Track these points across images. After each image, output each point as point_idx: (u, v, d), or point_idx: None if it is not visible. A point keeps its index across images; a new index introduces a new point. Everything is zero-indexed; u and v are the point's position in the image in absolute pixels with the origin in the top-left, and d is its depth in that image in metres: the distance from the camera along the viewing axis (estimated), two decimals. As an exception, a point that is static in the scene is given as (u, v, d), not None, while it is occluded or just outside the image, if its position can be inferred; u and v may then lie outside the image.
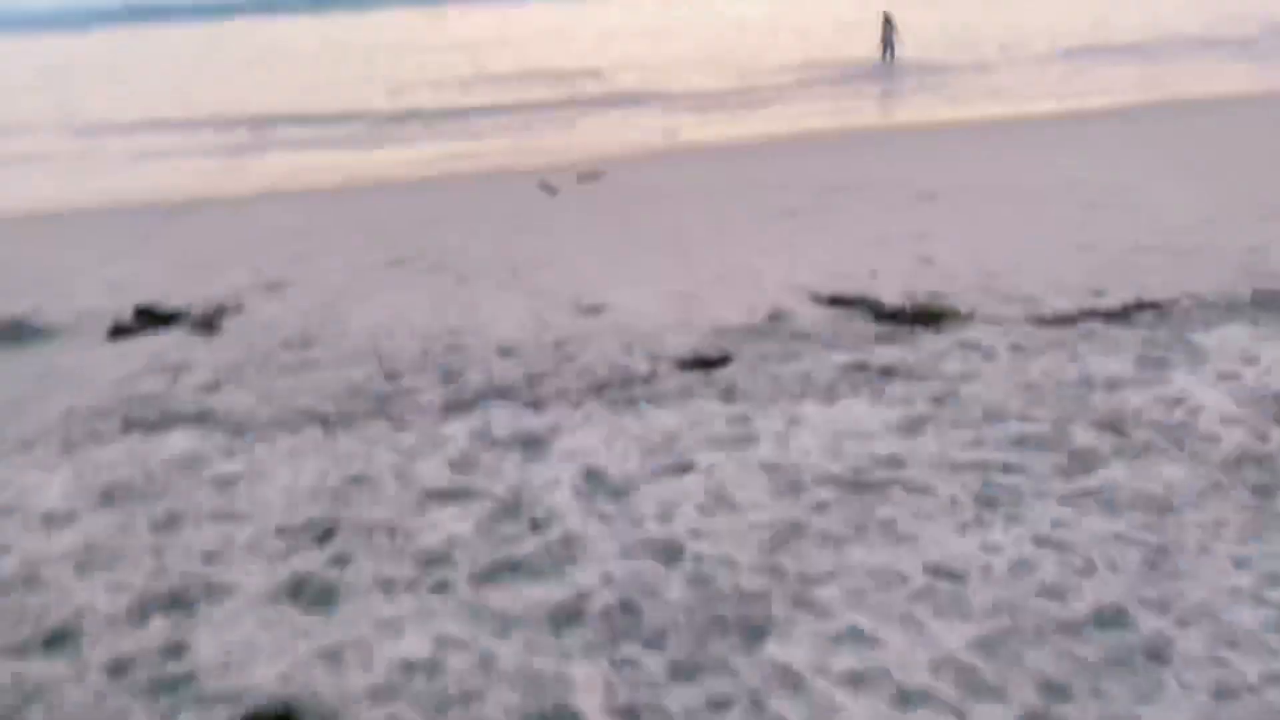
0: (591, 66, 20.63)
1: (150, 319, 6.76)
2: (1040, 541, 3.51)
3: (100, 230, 9.76)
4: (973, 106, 14.79)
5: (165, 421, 5.18)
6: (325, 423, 5.06)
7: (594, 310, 6.53)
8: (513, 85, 18.75)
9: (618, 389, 5.26)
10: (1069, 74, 17.19)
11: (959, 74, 17.60)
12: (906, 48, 19.23)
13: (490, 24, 30.06)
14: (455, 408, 5.16)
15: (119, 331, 6.56)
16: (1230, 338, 5.29)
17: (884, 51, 19.05)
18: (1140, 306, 5.86)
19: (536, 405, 5.11)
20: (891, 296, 6.36)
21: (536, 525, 3.85)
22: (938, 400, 4.70)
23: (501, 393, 5.30)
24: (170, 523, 4.11)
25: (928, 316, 5.92)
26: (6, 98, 19.38)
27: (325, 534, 3.96)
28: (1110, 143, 11.10)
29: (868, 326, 5.92)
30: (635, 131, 14.46)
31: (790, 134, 13.63)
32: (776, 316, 6.08)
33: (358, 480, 4.34)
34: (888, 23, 19.05)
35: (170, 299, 7.26)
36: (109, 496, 4.36)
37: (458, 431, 4.81)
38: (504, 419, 4.92)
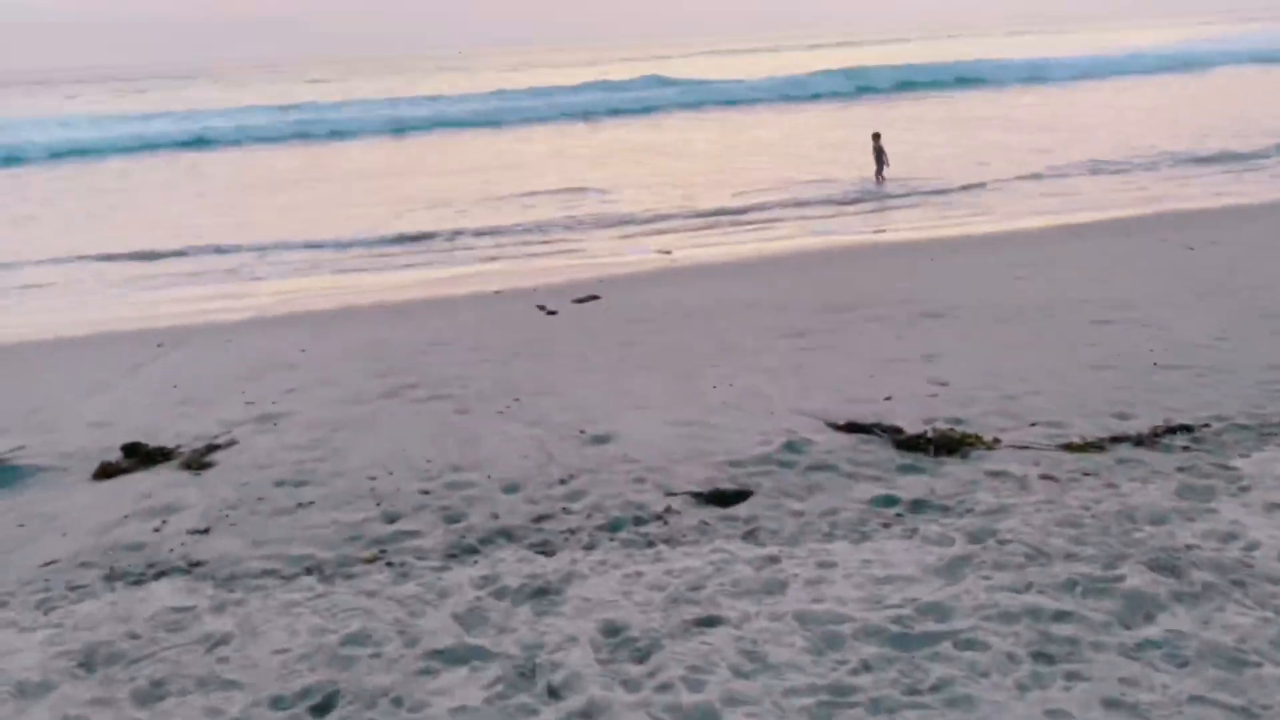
0: (587, 187, 20.89)
1: (139, 457, 6.49)
2: (1110, 705, 3.21)
3: (89, 361, 9.52)
4: (966, 223, 14.89)
5: (152, 572, 4.87)
6: (321, 572, 4.76)
7: (600, 440, 6.29)
8: (507, 207, 18.89)
9: (631, 528, 4.99)
10: (1058, 190, 17.42)
11: (948, 192, 17.84)
12: (892, 167, 19.57)
13: (485, 148, 30.55)
14: (459, 552, 4.87)
15: (106, 472, 6.28)
16: (1270, 463, 5.08)
17: (877, 171, 19.36)
18: (1171, 430, 5.67)
19: (546, 548, 4.83)
20: (909, 422, 6.15)
21: (554, 693, 3.53)
22: (975, 538, 4.44)
23: (508, 534, 5.02)
24: (154, 693, 3.77)
25: (950, 443, 5.70)
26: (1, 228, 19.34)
27: (324, 704, 3.63)
28: (1109, 257, 11.09)
29: (889, 455, 5.69)
30: (630, 251, 14.48)
31: (787, 252, 13.63)
32: (792, 445, 5.85)
33: (357, 639, 4.02)
34: (877, 143, 19.43)
35: (160, 434, 7.00)
36: (89, 661, 4.03)
37: (463, 580, 4.52)
38: (512, 565, 4.62)
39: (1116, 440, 5.60)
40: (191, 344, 9.97)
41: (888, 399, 6.66)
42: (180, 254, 15.74)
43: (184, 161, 30.19)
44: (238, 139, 35.06)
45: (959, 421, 6.15)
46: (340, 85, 72.44)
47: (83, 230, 18.54)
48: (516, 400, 7.29)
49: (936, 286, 10.24)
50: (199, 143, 34.48)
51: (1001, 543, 4.34)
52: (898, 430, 5.99)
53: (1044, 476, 5.14)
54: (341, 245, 15.94)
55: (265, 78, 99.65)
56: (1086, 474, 5.12)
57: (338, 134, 36.19)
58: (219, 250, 15.84)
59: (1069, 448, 5.54)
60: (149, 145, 34.24)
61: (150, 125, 38.51)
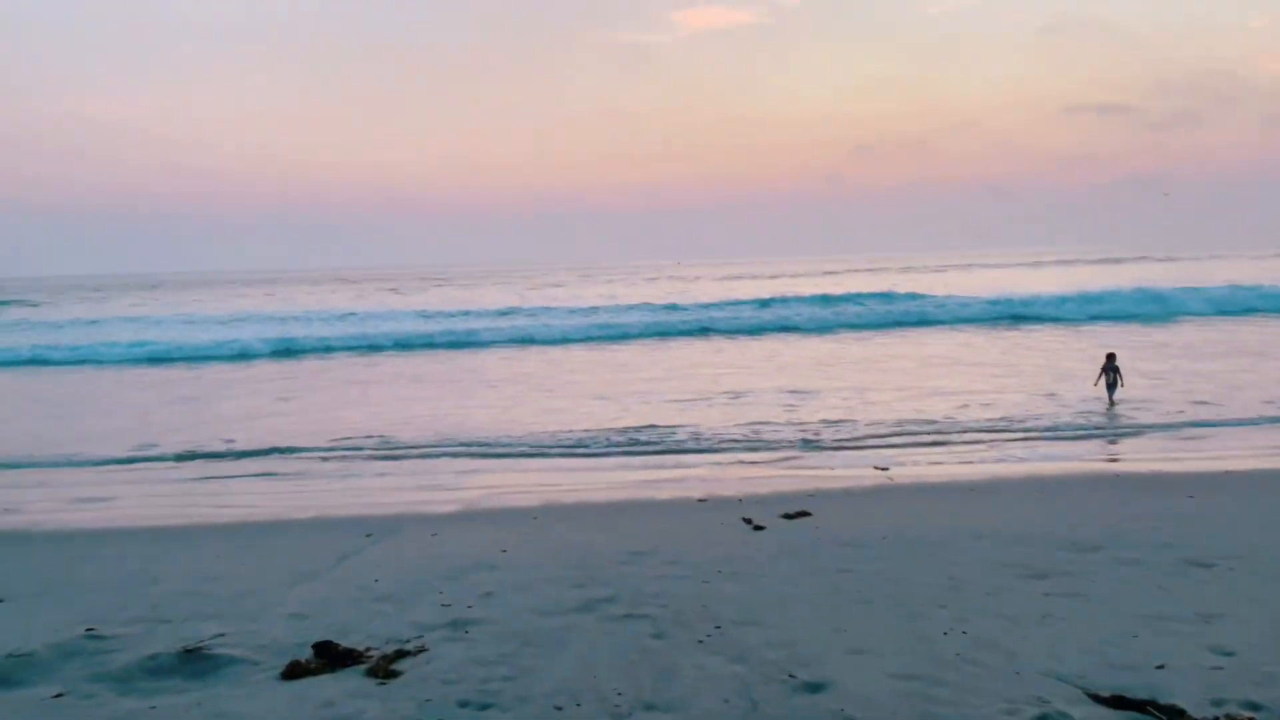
0: (803, 391, 20.57)
1: (328, 658, 6.29)
2: None
3: (302, 546, 9.70)
4: (1226, 456, 13.32)
5: (317, 799, 4.49)
6: (493, 822, 4.22)
7: (812, 689, 5.55)
8: (716, 411, 18.72)
9: (849, 809, 4.20)
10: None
11: (1203, 423, 16.19)
12: (1127, 388, 18.16)
13: (700, 354, 30.98)
14: (648, 816, 4.23)
15: (294, 672, 6.09)
16: None
17: (1109, 393, 18.01)
18: None
19: (748, 825, 4.11)
20: (1192, 703, 5.08)
21: None
22: None
23: (704, 800, 4.35)
24: None
25: (1252, 739, 4.61)
26: (247, 418, 20.94)
27: None
28: None
29: (1170, 745, 4.65)
30: (844, 464, 13.79)
31: (1016, 476, 12.54)
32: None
33: None
34: (1111, 363, 18.16)
35: (353, 633, 6.82)
36: None
37: None
38: (708, 843, 3.93)
39: None
40: (399, 535, 10.01)
41: (1160, 668, 5.59)
42: (397, 445, 16.35)
43: (394, 362, 32.27)
44: (444, 342, 37.31)
45: (1256, 708, 5.02)
46: (571, 290, 76.95)
47: (318, 420, 19.76)
48: (718, 628, 6.68)
49: (1201, 529, 8.96)
50: (406, 345, 36.77)
51: None
52: (1178, 713, 4.95)
53: (1391, 800, 4.00)
54: (552, 443, 16.10)
55: (502, 280, 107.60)
56: None
57: (562, 339, 37.79)
58: (433, 443, 16.35)
59: None
60: (361, 345, 36.87)
61: (382, 325, 42.01)
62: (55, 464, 15.55)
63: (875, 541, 9.01)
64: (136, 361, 34.24)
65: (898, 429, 16.27)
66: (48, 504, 12.65)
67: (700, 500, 11.49)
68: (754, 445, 15.40)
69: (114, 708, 5.68)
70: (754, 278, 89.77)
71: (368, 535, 9.91)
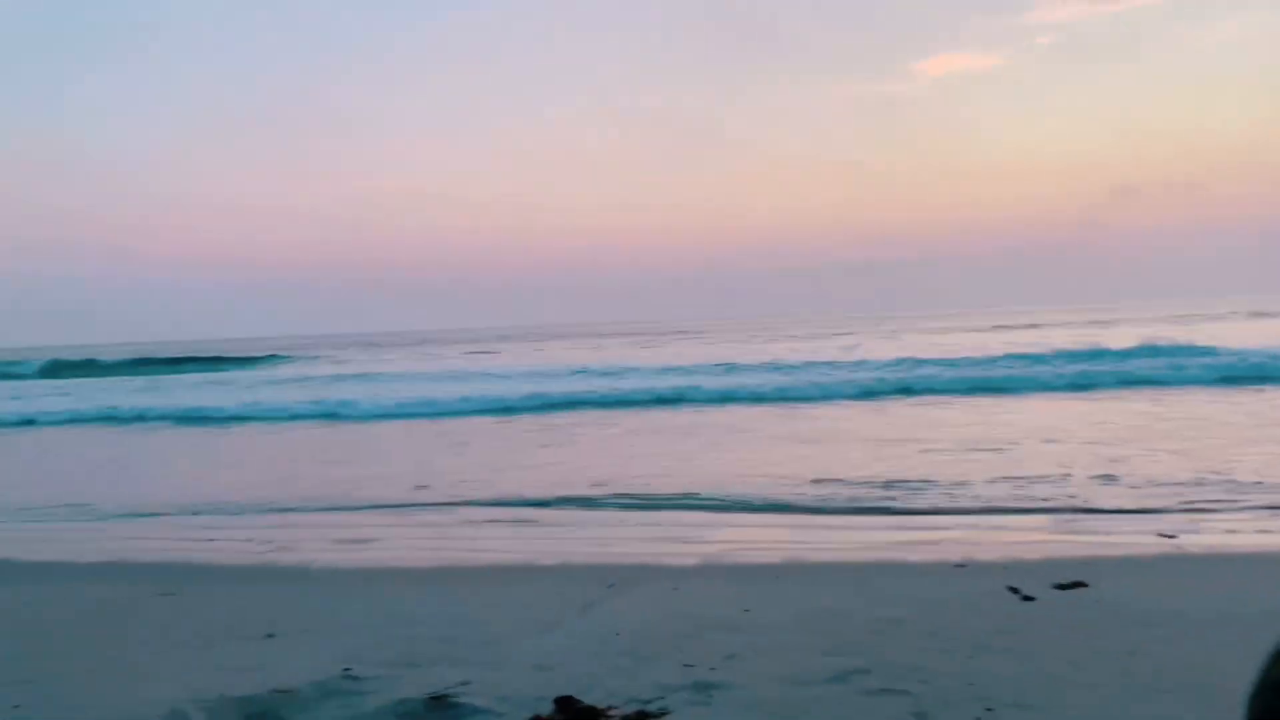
0: (1069, 446, 19.00)
1: (570, 714, 6.15)
2: None
3: (548, 593, 9.76)
4: None
5: None
6: None
7: (1106, 792, 4.80)
8: (972, 466, 17.55)
9: None
10: None
11: None
12: None
13: (961, 411, 29.42)
14: None
15: (535, 726, 5.99)
16: None
17: None
18: None
19: None
20: None
21: None
22: None
23: None
24: None
25: None
26: (506, 467, 21.82)
27: None
28: None
29: None
30: (1123, 528, 12.44)
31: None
32: None
33: None
34: None
35: (594, 689, 6.66)
36: None
37: None
38: None
39: None
40: (640, 587, 9.87)
41: None
42: (635, 498, 16.41)
43: (667, 415, 32.71)
44: (707, 396, 36.92)
45: None
46: (813, 343, 76.22)
47: (571, 469, 20.30)
48: (989, 710, 6.00)
49: None
50: (632, 402, 36.75)
51: None
52: None
53: None
54: (793, 498, 15.60)
55: (748, 333, 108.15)
56: None
57: (816, 395, 36.48)
58: (667, 497, 16.26)
59: None
60: (572, 403, 37.38)
61: (626, 380, 42.93)
62: (331, 507, 16.72)
63: (1167, 619, 7.93)
64: (397, 415, 36.54)
65: (1185, 492, 14.56)
66: (319, 544, 13.54)
67: (958, 565, 10.66)
68: (1017, 506, 14.24)
69: (367, 750, 5.78)
70: (1011, 328, 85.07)
71: (610, 585, 9.84)
